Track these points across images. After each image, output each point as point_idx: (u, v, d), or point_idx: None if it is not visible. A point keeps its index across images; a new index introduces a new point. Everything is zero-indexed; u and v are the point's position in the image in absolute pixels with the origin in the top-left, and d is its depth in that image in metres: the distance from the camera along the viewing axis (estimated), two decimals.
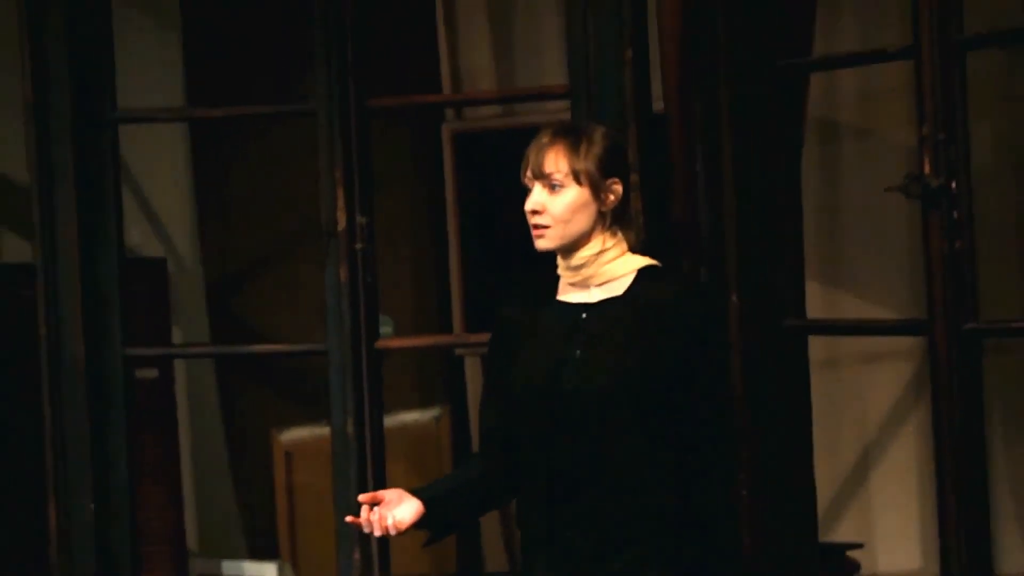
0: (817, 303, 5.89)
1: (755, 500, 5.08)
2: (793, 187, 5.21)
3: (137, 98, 6.20)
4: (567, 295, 4.14)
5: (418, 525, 4.10)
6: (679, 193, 5.15)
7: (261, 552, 6.79)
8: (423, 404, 7.22)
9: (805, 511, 5.21)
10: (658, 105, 5.17)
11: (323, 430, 5.57)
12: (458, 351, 6.98)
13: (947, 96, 4.64)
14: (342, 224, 5.36)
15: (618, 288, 4.09)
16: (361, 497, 4.11)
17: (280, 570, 6.23)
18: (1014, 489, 6.00)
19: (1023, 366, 6.03)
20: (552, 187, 4.06)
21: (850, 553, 5.71)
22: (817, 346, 5.58)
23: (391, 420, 6.55)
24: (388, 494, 4.09)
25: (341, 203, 5.36)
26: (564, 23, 5.25)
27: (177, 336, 6.91)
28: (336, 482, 5.38)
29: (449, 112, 7.09)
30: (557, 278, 4.16)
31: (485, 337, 6.42)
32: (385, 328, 5.75)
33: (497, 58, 6.96)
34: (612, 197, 4.08)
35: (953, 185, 4.63)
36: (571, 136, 4.10)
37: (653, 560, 3.99)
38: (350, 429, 5.35)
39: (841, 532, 6.11)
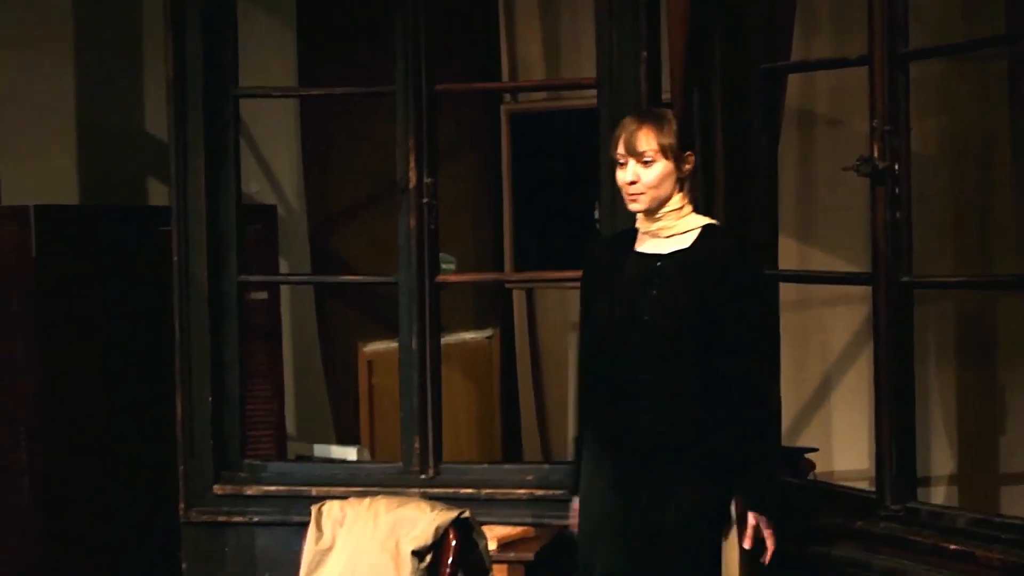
0: (793, 256, 5.91)
1: None
2: (771, 165, 5.21)
3: (260, 75, 6.25)
4: (644, 246, 4.20)
5: None
6: None
7: (345, 438, 6.85)
8: (479, 326, 7.25)
9: None
10: (665, 96, 5.21)
11: (396, 344, 5.61)
12: (507, 284, 7.02)
13: (893, 96, 4.65)
14: (413, 183, 5.43)
15: (685, 241, 4.16)
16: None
17: (359, 452, 6.27)
18: (943, 409, 6.01)
19: (946, 311, 6.04)
20: (645, 162, 4.13)
21: (808, 456, 5.75)
22: (790, 291, 5.60)
23: (454, 338, 6.60)
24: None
25: (412, 166, 5.42)
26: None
27: (284, 267, 6.93)
28: (403, 384, 5.47)
29: (506, 96, 7.12)
30: (634, 232, 4.23)
31: (527, 275, 6.52)
32: (447, 265, 5.79)
33: (546, 54, 6.99)
34: (688, 166, 4.17)
35: (896, 167, 4.65)
36: (653, 119, 4.17)
37: (686, 465, 4.06)
38: (414, 344, 5.42)
39: (804, 439, 6.13)
